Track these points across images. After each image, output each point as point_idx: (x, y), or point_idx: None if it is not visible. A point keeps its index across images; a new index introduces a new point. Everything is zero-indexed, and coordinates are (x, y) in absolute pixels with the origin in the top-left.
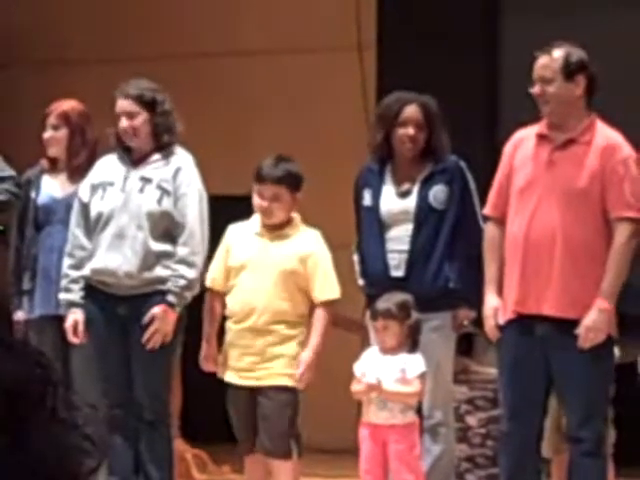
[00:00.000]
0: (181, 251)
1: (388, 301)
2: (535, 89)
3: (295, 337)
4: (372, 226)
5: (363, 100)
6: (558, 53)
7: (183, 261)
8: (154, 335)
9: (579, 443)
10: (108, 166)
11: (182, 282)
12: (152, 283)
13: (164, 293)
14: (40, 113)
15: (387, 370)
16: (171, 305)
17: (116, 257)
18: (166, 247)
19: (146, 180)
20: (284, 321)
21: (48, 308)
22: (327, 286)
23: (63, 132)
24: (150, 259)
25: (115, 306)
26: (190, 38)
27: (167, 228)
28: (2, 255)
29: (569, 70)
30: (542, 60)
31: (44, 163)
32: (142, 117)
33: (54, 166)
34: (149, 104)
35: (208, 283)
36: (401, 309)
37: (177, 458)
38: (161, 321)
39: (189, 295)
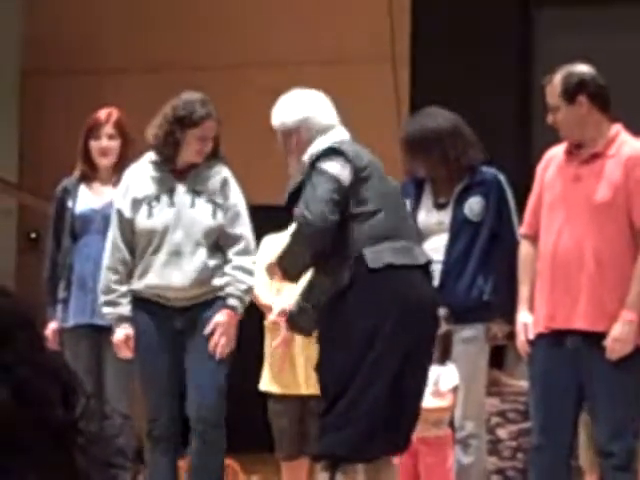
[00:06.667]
0: (239, 260)
1: None
2: (548, 119)
3: None
4: None
5: (397, 113)
6: (557, 79)
7: (241, 268)
8: (220, 342)
9: (609, 457)
10: (145, 178)
11: (243, 286)
12: (207, 294)
13: (222, 299)
14: (72, 121)
15: None
16: (234, 309)
17: (175, 274)
18: (219, 260)
19: (195, 193)
20: None
21: (83, 317)
22: None
23: (117, 142)
24: (206, 273)
25: (171, 319)
26: (224, 49)
27: (218, 240)
28: (34, 264)
29: (568, 94)
30: (547, 89)
31: (81, 172)
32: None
33: (93, 175)
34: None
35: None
36: None
37: None
38: (226, 327)
39: (248, 300)
